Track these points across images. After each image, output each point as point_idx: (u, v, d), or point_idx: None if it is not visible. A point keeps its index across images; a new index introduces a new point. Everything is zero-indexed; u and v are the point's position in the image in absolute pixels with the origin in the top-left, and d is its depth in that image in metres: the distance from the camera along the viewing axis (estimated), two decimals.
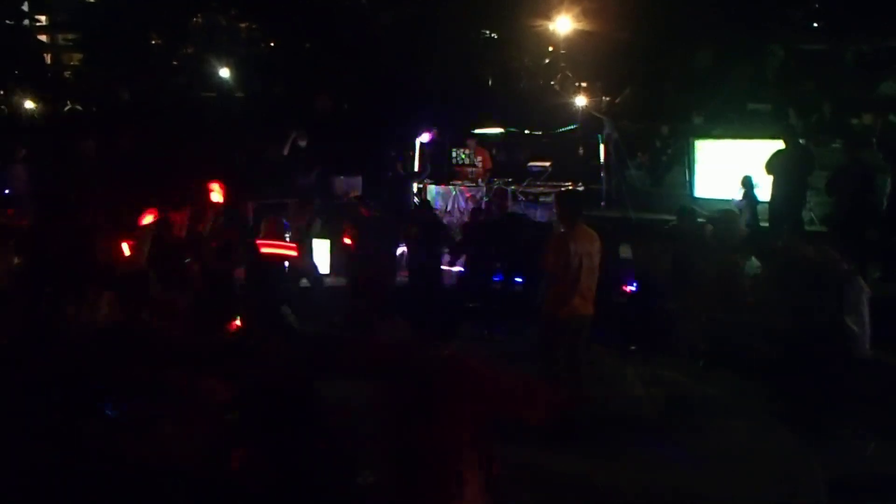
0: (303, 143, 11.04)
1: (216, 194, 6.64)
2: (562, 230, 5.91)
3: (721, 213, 7.82)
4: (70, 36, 18.79)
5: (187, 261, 5.97)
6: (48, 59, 20.91)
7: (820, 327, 5.60)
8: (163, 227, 5.98)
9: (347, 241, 8.49)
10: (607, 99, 14.17)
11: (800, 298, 5.72)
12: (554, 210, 7.33)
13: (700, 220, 8.06)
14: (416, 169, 12.18)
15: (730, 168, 10.30)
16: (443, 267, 9.00)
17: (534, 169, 11.67)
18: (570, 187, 11.15)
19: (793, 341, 5.83)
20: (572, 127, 12.31)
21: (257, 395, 3.43)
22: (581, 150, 12.82)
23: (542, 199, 10.81)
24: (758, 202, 9.18)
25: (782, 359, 6.01)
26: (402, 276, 8.98)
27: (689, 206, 8.66)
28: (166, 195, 6.55)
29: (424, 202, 9.87)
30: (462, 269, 9.00)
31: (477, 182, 11.59)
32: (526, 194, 11.15)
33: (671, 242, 7.81)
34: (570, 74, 14.30)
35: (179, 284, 4.64)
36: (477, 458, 2.75)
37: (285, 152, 10.91)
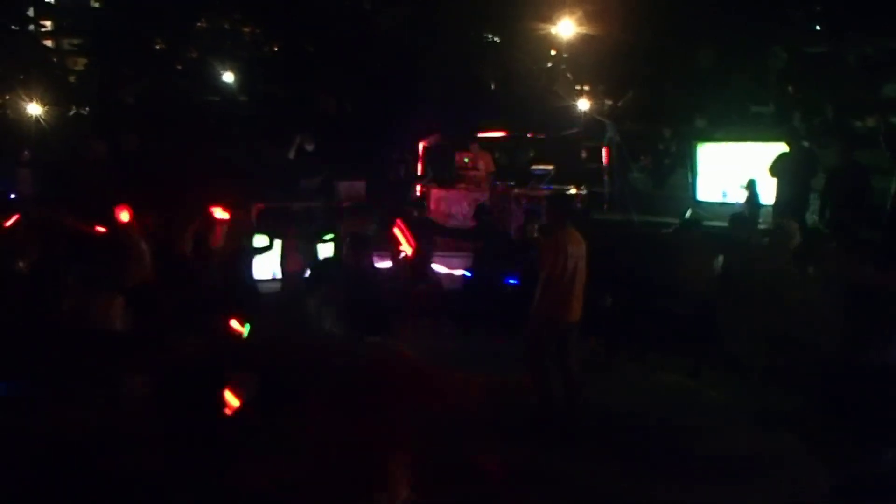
0: (310, 148, 11.08)
1: (219, 212, 6.67)
2: (549, 233, 5.95)
3: (779, 222, 7.45)
4: (75, 41, 18.85)
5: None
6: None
7: (875, 356, 5.28)
8: (174, 238, 6.02)
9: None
10: (609, 102, 14.19)
11: (854, 324, 5.44)
12: (543, 214, 7.33)
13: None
14: (418, 173, 12.23)
15: (733, 171, 10.32)
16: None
17: (536, 172, 11.70)
18: (574, 191, 11.19)
19: (844, 369, 5.51)
20: (575, 130, 12.33)
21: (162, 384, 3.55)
22: (584, 154, 12.85)
23: (545, 202, 10.84)
24: (761, 205, 9.18)
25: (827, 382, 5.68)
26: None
27: (744, 213, 8.33)
28: (172, 201, 6.60)
29: (482, 209, 9.37)
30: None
31: (480, 185, 11.62)
32: (529, 197, 11.17)
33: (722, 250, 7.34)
34: (570, 77, 14.33)
35: (185, 292, 4.68)
36: (406, 452, 2.81)
37: (291, 156, 10.95)
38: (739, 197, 9.55)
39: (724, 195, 10.62)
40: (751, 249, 7.10)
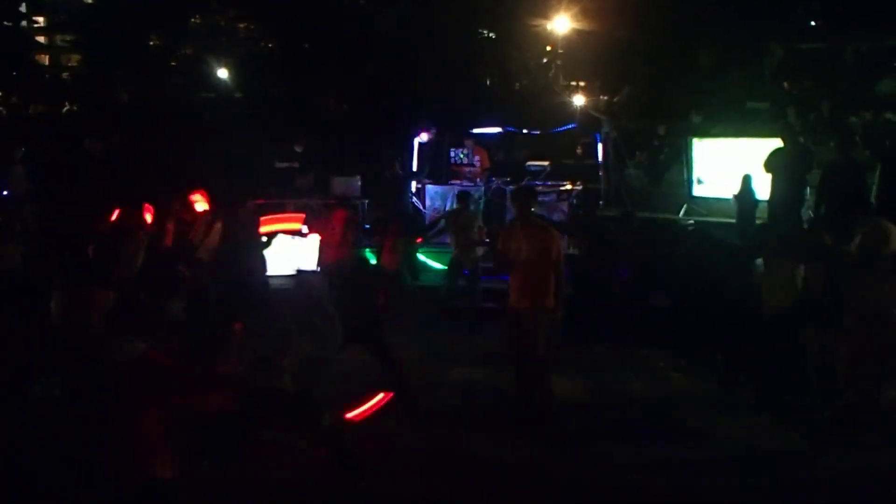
0: (299, 149, 11.05)
1: (200, 204, 6.54)
2: (516, 222, 5.93)
3: (872, 224, 5.83)
4: (68, 37, 18.78)
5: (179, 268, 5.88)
6: (47, 60, 20.95)
7: None
8: (158, 237, 5.92)
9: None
10: (606, 98, 14.18)
11: None
12: (511, 205, 7.24)
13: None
14: (414, 169, 12.19)
15: (728, 166, 10.32)
16: None
17: (532, 168, 11.69)
18: (569, 186, 11.18)
19: None
20: (571, 126, 12.32)
21: None
22: (579, 150, 12.84)
23: (540, 198, 10.82)
24: (757, 201, 9.18)
25: None
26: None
27: (831, 218, 7.62)
28: (163, 198, 6.51)
29: (587, 208, 9.06)
30: None
31: (475, 181, 11.59)
32: None
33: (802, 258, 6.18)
34: (560, 74, 14.36)
35: (169, 293, 4.58)
36: (168, 451, 2.85)
37: (277, 165, 10.92)
38: (732, 192, 9.53)
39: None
40: (836, 258, 5.87)
